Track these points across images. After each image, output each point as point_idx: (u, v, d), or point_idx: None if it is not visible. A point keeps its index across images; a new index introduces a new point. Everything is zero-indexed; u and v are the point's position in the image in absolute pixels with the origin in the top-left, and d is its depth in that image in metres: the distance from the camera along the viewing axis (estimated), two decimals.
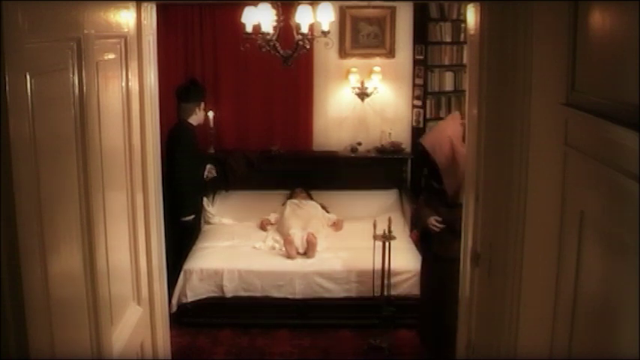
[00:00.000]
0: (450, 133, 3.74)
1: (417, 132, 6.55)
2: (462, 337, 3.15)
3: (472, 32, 2.90)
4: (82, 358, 2.04)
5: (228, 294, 4.86)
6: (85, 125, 2.01)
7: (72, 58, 1.94)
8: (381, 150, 6.43)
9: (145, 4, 2.76)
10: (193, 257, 5.10)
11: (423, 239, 4.10)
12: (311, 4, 4.55)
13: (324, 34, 4.66)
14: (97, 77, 2.15)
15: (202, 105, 5.43)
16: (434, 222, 3.94)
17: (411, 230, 5.62)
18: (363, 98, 6.35)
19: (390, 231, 4.45)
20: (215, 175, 5.64)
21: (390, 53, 6.45)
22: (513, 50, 2.43)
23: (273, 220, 5.79)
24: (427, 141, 3.85)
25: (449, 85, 6.68)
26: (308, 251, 5.11)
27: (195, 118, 5.36)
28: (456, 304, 3.72)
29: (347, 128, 6.55)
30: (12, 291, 1.55)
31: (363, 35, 6.43)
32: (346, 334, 4.79)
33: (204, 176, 5.53)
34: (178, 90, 5.31)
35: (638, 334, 1.52)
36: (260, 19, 4.56)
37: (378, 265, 4.52)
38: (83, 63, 1.99)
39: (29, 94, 1.61)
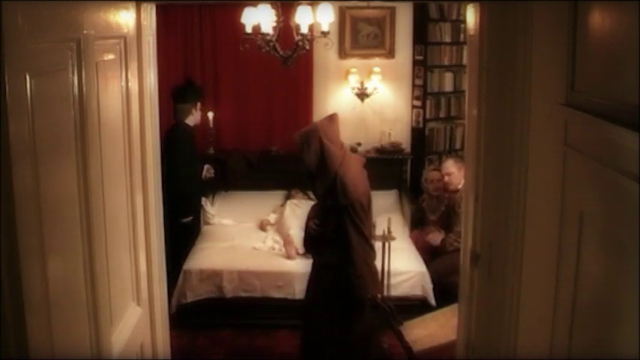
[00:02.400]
0: (322, 132, 3.57)
1: (417, 132, 6.56)
2: (462, 337, 3.14)
3: (472, 32, 2.90)
4: (81, 359, 2.04)
5: (228, 294, 4.85)
6: (84, 125, 2.01)
7: (72, 59, 1.94)
8: (380, 150, 6.43)
9: (144, 5, 2.76)
10: (193, 258, 5.10)
11: (305, 242, 3.95)
12: (310, 5, 4.55)
13: (324, 34, 4.66)
14: (96, 78, 2.14)
15: (199, 105, 5.42)
16: (311, 224, 3.79)
17: (411, 231, 5.63)
18: (362, 99, 6.36)
19: (389, 231, 4.45)
20: (213, 175, 5.63)
21: (390, 53, 6.46)
22: (513, 50, 2.43)
23: (272, 221, 5.79)
24: (297, 137, 3.65)
25: (448, 86, 6.69)
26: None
27: (192, 119, 5.35)
28: (332, 314, 3.70)
29: (346, 129, 6.50)
30: (12, 291, 1.55)
31: (362, 35, 6.44)
32: None
33: (203, 176, 5.52)
34: (174, 91, 5.30)
35: (638, 334, 1.52)
36: (260, 19, 4.56)
37: (378, 266, 4.51)
38: (83, 63, 1.99)
39: (29, 94, 1.60)
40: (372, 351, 3.99)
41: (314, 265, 3.90)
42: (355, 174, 3.63)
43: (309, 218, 3.87)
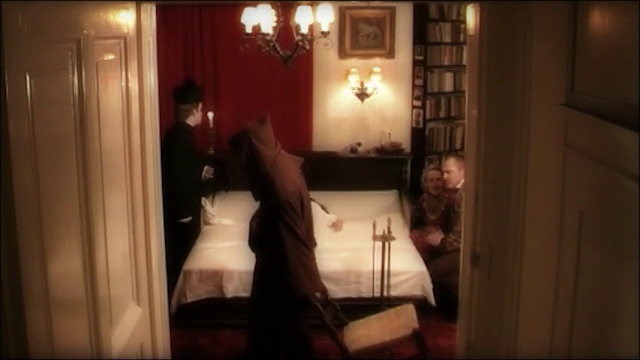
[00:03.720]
0: (253, 133, 3.67)
1: (417, 132, 6.56)
2: (462, 337, 3.14)
3: (472, 33, 2.91)
4: (81, 359, 2.04)
5: (228, 294, 4.85)
6: (84, 126, 2.01)
7: (72, 59, 1.94)
8: (380, 150, 6.43)
9: (144, 5, 2.76)
10: (193, 258, 5.10)
11: (249, 241, 4.05)
12: (310, 5, 4.55)
13: (324, 34, 4.67)
14: (96, 78, 2.14)
15: (199, 106, 5.42)
16: (253, 224, 3.89)
17: (411, 231, 5.63)
18: (362, 99, 6.36)
19: (389, 231, 4.45)
20: (212, 176, 5.63)
21: (390, 54, 6.46)
22: (513, 50, 2.44)
23: None
24: (230, 139, 3.78)
25: (448, 86, 6.69)
26: None
27: (193, 119, 5.35)
28: (275, 313, 3.77)
29: (347, 129, 6.55)
30: (12, 291, 1.55)
31: (362, 36, 6.44)
32: None
33: (202, 177, 5.52)
34: (175, 91, 5.30)
35: (637, 334, 1.52)
36: (260, 19, 4.56)
37: (378, 266, 4.52)
38: (83, 63, 1.99)
39: (29, 94, 1.60)
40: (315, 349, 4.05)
41: (256, 264, 3.96)
42: (286, 174, 3.68)
43: (252, 217, 3.95)
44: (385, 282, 4.54)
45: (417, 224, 5.68)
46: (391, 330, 3.93)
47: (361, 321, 4.14)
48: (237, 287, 4.87)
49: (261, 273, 3.87)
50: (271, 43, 4.62)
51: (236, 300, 4.86)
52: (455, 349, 3.53)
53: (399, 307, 4.19)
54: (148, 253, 2.89)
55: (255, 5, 4.52)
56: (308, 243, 3.73)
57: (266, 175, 3.60)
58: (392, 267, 4.53)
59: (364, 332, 3.98)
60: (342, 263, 4.98)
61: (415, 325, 3.85)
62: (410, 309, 4.11)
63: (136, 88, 2.70)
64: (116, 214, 2.48)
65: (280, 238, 3.58)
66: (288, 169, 3.73)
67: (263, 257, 3.85)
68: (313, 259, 3.77)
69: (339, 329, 3.95)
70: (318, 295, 3.86)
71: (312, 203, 5.87)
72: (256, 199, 3.81)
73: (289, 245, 3.59)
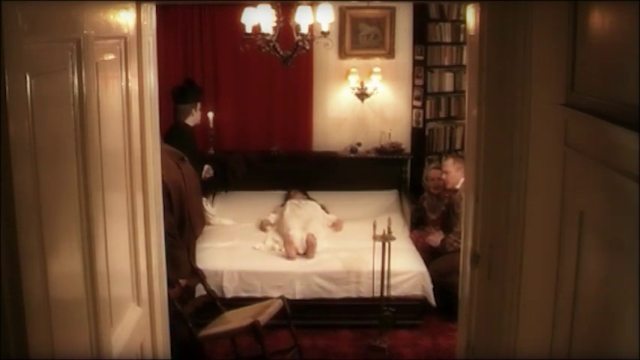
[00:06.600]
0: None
1: (417, 132, 6.56)
2: (462, 337, 3.15)
3: (472, 33, 2.91)
4: (81, 359, 2.04)
5: (228, 295, 4.85)
6: (84, 126, 2.01)
7: (72, 59, 1.94)
8: (380, 150, 6.43)
9: (144, 5, 2.76)
10: None
11: None
12: (310, 5, 4.56)
13: (324, 34, 4.67)
14: (96, 78, 2.14)
15: (199, 106, 5.41)
16: None
17: (411, 231, 5.63)
18: (362, 99, 6.36)
19: (389, 231, 4.46)
20: (212, 175, 5.63)
21: (390, 54, 6.46)
22: (513, 51, 2.44)
23: (272, 221, 5.79)
24: None
25: (449, 86, 6.69)
26: (307, 252, 5.11)
27: (192, 119, 5.34)
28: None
29: (346, 129, 6.55)
30: (12, 292, 1.54)
31: (362, 36, 6.44)
32: (346, 334, 4.79)
33: (202, 177, 5.51)
34: (174, 91, 5.29)
35: (637, 334, 1.52)
36: (260, 19, 4.56)
37: (378, 266, 4.52)
38: (83, 63, 1.99)
39: (29, 94, 1.60)
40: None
41: None
42: None
43: None
44: (385, 282, 4.54)
45: (417, 224, 5.69)
46: (242, 320, 4.04)
47: (234, 311, 4.27)
48: (237, 287, 4.87)
49: None
50: (271, 43, 4.62)
51: (236, 300, 4.86)
52: (455, 349, 3.54)
53: (268, 301, 4.30)
54: (148, 253, 2.89)
55: (255, 5, 4.52)
56: (176, 232, 3.90)
57: None
58: (392, 267, 4.53)
59: (227, 320, 4.11)
60: (342, 263, 4.98)
61: (260, 318, 3.94)
62: (274, 304, 4.18)
63: (136, 88, 2.69)
64: (116, 214, 2.47)
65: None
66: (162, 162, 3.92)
67: None
68: (181, 247, 3.96)
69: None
70: (182, 282, 4.03)
71: (312, 203, 5.93)
72: None
73: None
